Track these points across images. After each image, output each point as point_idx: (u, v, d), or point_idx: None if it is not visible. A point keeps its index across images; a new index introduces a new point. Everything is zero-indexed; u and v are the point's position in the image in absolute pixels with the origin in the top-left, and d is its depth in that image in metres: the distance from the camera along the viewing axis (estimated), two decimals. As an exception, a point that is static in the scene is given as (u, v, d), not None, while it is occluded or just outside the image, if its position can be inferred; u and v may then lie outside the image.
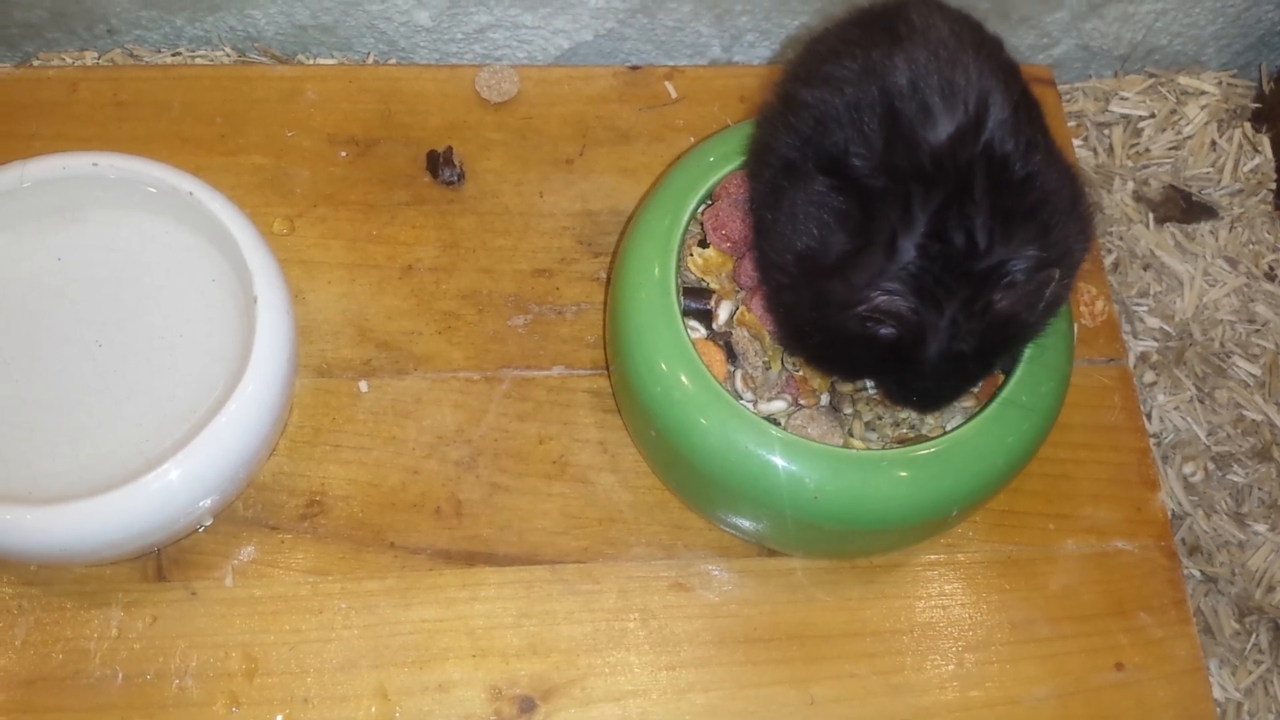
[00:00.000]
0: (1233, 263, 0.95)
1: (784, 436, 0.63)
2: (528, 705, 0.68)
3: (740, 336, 0.67)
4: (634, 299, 0.67)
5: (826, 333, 0.61)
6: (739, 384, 0.67)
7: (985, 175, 0.57)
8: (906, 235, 0.57)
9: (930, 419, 0.67)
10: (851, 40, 0.62)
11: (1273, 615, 0.84)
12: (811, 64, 0.64)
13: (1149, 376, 0.91)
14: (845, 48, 0.62)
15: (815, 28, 0.68)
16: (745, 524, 0.68)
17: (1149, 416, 0.89)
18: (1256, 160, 1.00)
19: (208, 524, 0.70)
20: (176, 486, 0.62)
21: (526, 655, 0.69)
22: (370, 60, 0.96)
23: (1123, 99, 1.02)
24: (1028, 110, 0.60)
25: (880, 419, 0.67)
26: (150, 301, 0.71)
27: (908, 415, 0.67)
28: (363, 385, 0.76)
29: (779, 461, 0.62)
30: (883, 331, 0.58)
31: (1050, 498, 0.76)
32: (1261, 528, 0.86)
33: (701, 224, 0.70)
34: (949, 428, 0.66)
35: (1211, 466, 0.88)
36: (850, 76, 0.60)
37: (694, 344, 0.65)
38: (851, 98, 0.60)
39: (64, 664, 0.67)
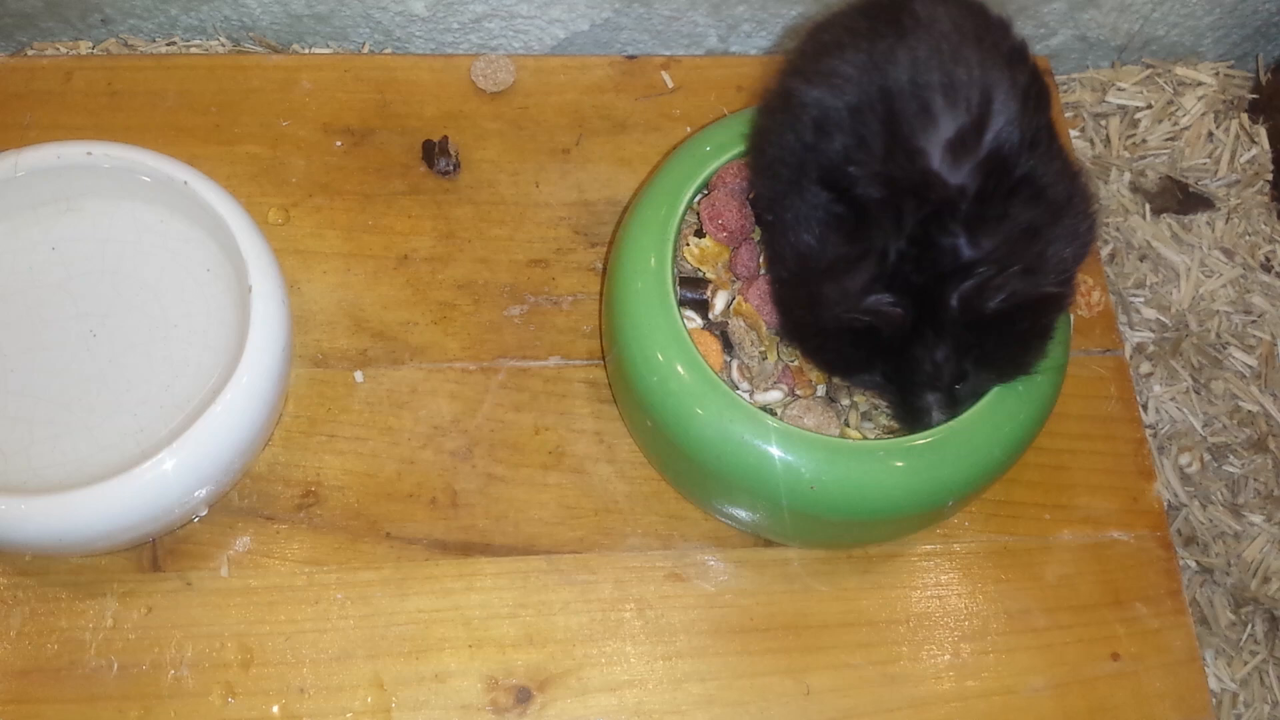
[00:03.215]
0: (1229, 254, 0.95)
1: (780, 427, 0.63)
2: (524, 695, 0.68)
3: (736, 326, 0.67)
4: (630, 289, 0.67)
5: (823, 333, 0.61)
6: (735, 374, 0.67)
7: (980, 181, 0.57)
8: (896, 244, 0.58)
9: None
10: (857, 31, 0.61)
11: (1268, 606, 0.84)
12: (815, 56, 0.63)
13: (1145, 367, 0.91)
14: (850, 39, 0.61)
15: (813, 17, 0.67)
16: (741, 514, 0.68)
17: (1145, 407, 0.89)
18: (1253, 151, 1.00)
19: (203, 514, 0.70)
20: (171, 476, 0.62)
21: (523, 645, 0.69)
22: (365, 50, 0.95)
23: (1120, 90, 1.02)
24: (1036, 99, 0.60)
25: (876, 409, 0.67)
26: (145, 291, 0.71)
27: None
28: (358, 375, 0.75)
29: (775, 452, 0.62)
30: (868, 324, 0.58)
31: (1046, 488, 0.76)
32: (1257, 519, 0.87)
33: (698, 214, 0.70)
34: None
35: (1207, 457, 0.88)
36: (852, 73, 0.60)
37: (690, 334, 0.65)
38: (853, 98, 0.59)
39: (59, 654, 0.67)
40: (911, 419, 0.64)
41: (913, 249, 0.57)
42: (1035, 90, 0.60)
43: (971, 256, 0.57)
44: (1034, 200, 0.58)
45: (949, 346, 0.59)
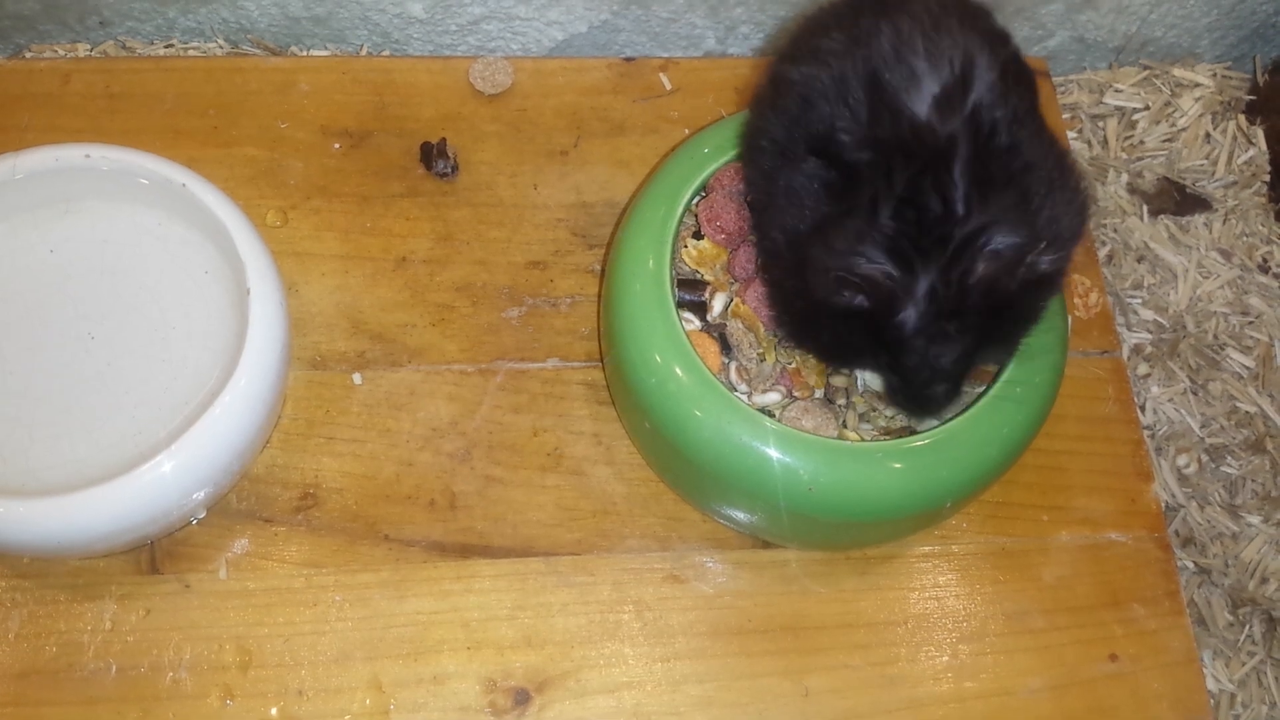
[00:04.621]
0: (1226, 255, 0.96)
1: (779, 428, 0.63)
2: (522, 697, 0.68)
3: (735, 328, 0.67)
4: (628, 291, 0.67)
5: (811, 307, 0.60)
6: (734, 376, 0.67)
7: (969, 141, 0.57)
8: (886, 201, 0.57)
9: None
10: (841, 14, 0.63)
11: (1266, 607, 0.84)
12: (800, 41, 0.64)
13: (1143, 368, 0.91)
14: (835, 21, 0.62)
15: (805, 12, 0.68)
16: (740, 516, 0.69)
17: (1143, 408, 0.89)
18: (1250, 152, 1.00)
19: (201, 516, 0.70)
20: (170, 479, 0.62)
21: (521, 647, 0.69)
22: (364, 52, 0.95)
23: (1117, 91, 1.02)
24: (1016, 78, 0.60)
25: (874, 410, 0.67)
26: (144, 293, 0.71)
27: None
28: (356, 377, 0.75)
29: (774, 453, 0.62)
30: (858, 301, 0.57)
31: (1044, 489, 0.76)
32: (1255, 519, 0.87)
33: (696, 216, 0.70)
34: (943, 419, 0.66)
35: (1205, 458, 0.89)
36: (837, 48, 0.60)
37: (688, 336, 0.65)
38: (838, 71, 0.60)
39: (57, 657, 0.67)
40: (918, 408, 0.63)
41: (909, 207, 0.56)
42: (1015, 69, 0.60)
43: (980, 223, 0.55)
44: (1027, 168, 0.58)
45: (950, 331, 0.58)
